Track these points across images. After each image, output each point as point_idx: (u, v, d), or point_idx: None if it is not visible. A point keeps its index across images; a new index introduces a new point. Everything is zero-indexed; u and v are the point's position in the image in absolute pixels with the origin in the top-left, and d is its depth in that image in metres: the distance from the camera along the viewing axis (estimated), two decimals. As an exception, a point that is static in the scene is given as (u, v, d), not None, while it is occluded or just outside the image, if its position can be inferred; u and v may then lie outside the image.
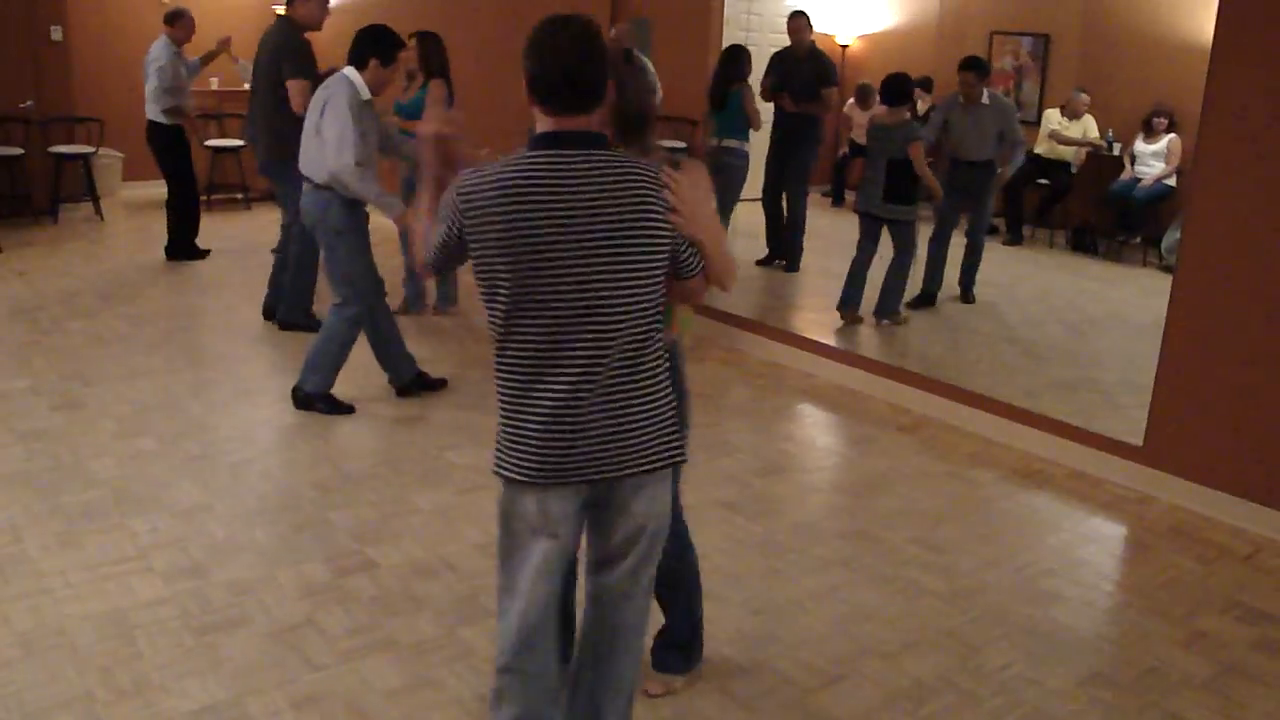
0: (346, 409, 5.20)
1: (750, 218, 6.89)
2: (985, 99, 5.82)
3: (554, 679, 2.49)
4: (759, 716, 3.03)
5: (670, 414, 2.36)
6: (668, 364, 2.39)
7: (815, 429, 5.49)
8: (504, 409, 2.31)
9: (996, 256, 6.11)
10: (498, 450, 2.33)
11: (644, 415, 2.30)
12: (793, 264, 7.10)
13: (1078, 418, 4.96)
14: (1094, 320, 5.89)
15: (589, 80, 2.21)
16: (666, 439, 2.34)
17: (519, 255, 2.19)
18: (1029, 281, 6.22)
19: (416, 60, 6.23)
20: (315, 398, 5.18)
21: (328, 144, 4.83)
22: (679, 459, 2.38)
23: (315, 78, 5.99)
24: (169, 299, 7.09)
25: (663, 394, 2.35)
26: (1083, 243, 6.04)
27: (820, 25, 6.53)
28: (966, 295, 6.13)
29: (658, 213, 2.24)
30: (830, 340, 6.18)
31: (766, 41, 6.60)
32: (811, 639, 3.41)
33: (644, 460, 2.31)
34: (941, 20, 6.02)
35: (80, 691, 2.99)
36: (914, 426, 5.38)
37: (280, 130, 6.15)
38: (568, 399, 2.24)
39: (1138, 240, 5.76)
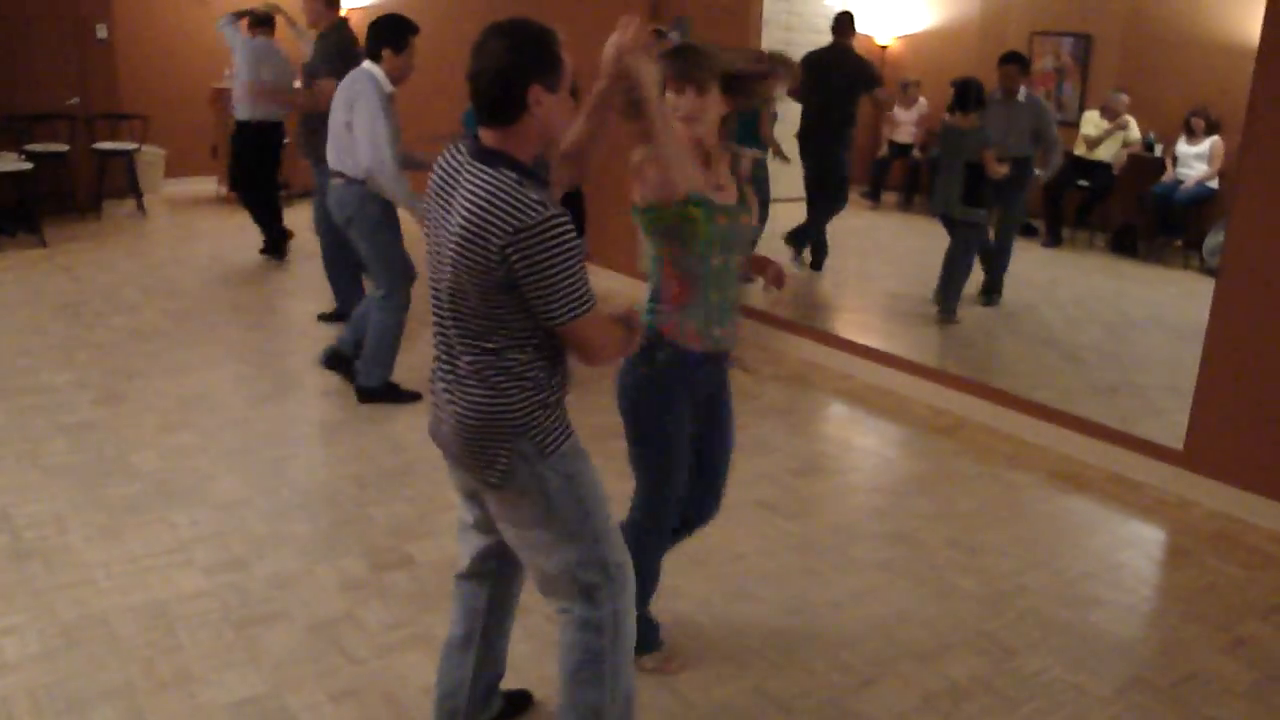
0: (411, 396, 5.29)
1: (789, 219, 6.88)
2: (1021, 97, 5.78)
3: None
4: (795, 716, 3.03)
5: (486, 437, 2.32)
6: (513, 399, 2.30)
7: (852, 429, 5.47)
8: None
9: (1036, 258, 6.07)
10: None
11: (458, 420, 2.36)
12: (817, 263, 7.10)
13: (1117, 421, 4.92)
14: (1134, 323, 5.84)
15: (478, 93, 2.21)
16: (475, 451, 2.35)
17: (427, 237, 2.37)
18: (1069, 283, 6.17)
19: None
20: (378, 391, 5.25)
21: (359, 140, 4.83)
22: (479, 473, 2.39)
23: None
24: (210, 294, 7.17)
25: (480, 413, 2.31)
26: (1123, 245, 5.99)
27: (859, 25, 6.50)
28: (990, 297, 6.09)
29: (482, 237, 2.14)
30: (868, 341, 6.15)
31: (806, 42, 6.58)
32: (848, 639, 3.41)
33: (455, 452, 2.43)
34: (983, 20, 5.99)
35: (122, 681, 3.03)
36: (952, 428, 5.35)
37: (309, 121, 6.33)
38: (435, 377, 2.45)
39: (1179, 242, 5.70)
